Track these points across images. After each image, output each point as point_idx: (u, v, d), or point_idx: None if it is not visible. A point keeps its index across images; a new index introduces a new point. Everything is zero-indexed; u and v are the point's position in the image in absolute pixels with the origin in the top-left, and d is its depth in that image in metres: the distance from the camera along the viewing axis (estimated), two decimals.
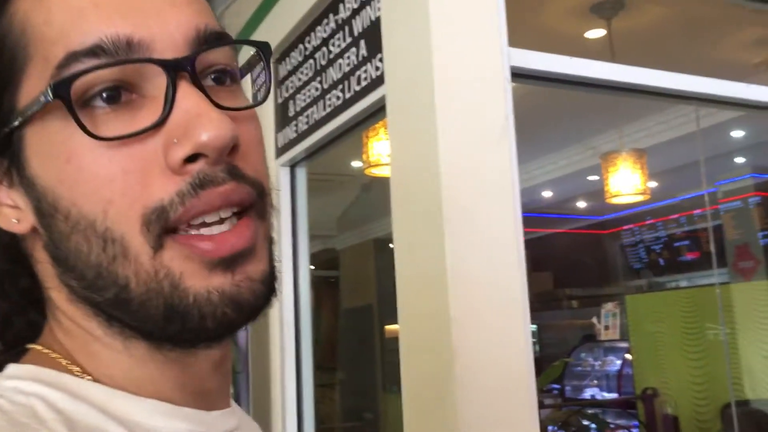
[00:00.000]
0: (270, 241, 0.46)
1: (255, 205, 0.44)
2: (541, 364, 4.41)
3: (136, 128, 0.41)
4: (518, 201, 1.51)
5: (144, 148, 0.41)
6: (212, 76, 0.44)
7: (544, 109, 3.11)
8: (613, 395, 4.67)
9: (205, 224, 0.41)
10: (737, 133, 4.42)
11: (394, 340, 1.51)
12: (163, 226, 0.41)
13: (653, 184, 4.43)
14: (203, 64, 0.43)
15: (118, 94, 0.41)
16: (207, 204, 0.41)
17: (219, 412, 0.48)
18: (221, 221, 0.42)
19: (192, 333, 0.42)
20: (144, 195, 0.41)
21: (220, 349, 0.46)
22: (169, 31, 0.42)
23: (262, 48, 0.47)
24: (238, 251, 0.42)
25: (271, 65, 2.29)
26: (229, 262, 0.41)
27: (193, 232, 0.41)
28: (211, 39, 0.44)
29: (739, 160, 4.78)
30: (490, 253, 1.42)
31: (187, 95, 0.41)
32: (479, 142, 1.49)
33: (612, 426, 4.11)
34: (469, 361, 1.29)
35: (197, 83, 0.41)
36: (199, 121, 0.40)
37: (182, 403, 0.45)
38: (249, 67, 0.49)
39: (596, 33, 2.93)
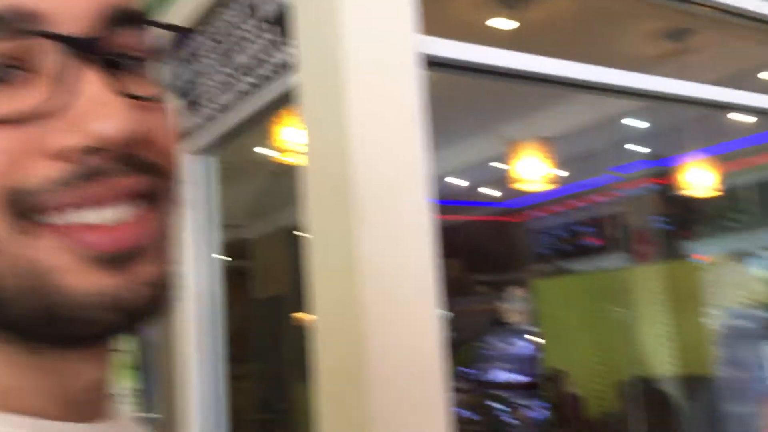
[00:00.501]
0: (167, 240, 0.42)
1: (154, 198, 0.40)
2: (451, 349, 4.50)
3: (22, 108, 0.37)
4: (430, 188, 1.52)
5: (27, 130, 0.37)
6: (120, 60, 0.40)
7: (456, 97, 3.15)
8: (522, 377, 4.82)
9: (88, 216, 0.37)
10: (637, 123, 4.60)
11: (306, 329, 1.50)
12: (28, 210, 0.37)
13: (559, 171, 4.57)
14: (112, 46, 0.39)
15: (8, 71, 0.37)
16: (91, 196, 0.37)
17: (87, 426, 0.42)
18: (111, 214, 0.38)
19: (65, 334, 0.38)
20: (12, 175, 0.37)
21: (94, 355, 0.42)
22: (76, 6, 0.38)
23: (181, 32, 0.44)
24: (126, 249, 0.38)
25: (180, 49, 2.21)
26: (115, 260, 0.38)
27: (75, 220, 0.37)
28: (124, 18, 0.40)
29: (638, 148, 4.99)
30: (403, 240, 1.43)
31: (90, 80, 0.37)
32: (391, 129, 1.49)
33: (520, 407, 4.23)
34: (381, 347, 1.29)
35: (102, 67, 0.38)
36: (100, 111, 0.37)
37: (50, 414, 0.40)
38: (160, 50, 0.45)
39: (506, 23, 2.99)
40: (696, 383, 3.79)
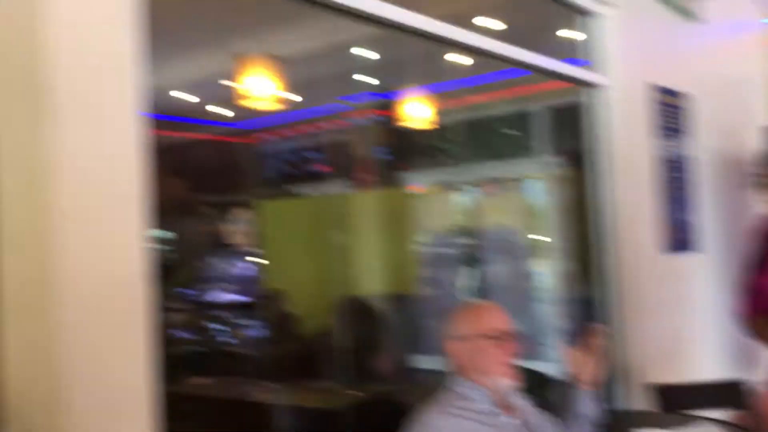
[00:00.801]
0: None
1: None
2: (172, 269, 4.36)
3: None
4: (145, 100, 1.40)
5: None
6: None
7: (186, 7, 2.94)
8: (243, 298, 4.85)
9: None
10: (367, 54, 4.72)
11: None
12: None
13: (289, 94, 4.56)
14: None
15: None
16: None
17: None
18: None
19: None
20: None
21: None
22: None
23: None
24: None
25: None
26: None
27: None
28: None
29: (367, 79, 5.14)
30: (108, 149, 1.31)
31: None
32: (99, 25, 1.33)
33: (239, 326, 4.27)
34: (75, 261, 1.18)
35: None
36: None
37: None
38: None
39: None
40: (402, 301, 4.14)
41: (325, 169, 5.83)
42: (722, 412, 3.14)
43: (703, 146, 4.52)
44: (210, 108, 5.87)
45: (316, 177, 5.77)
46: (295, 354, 3.40)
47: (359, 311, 3.37)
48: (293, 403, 2.68)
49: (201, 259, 5.22)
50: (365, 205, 4.46)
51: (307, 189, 5.57)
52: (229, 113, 5.95)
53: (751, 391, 3.01)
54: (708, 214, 4.53)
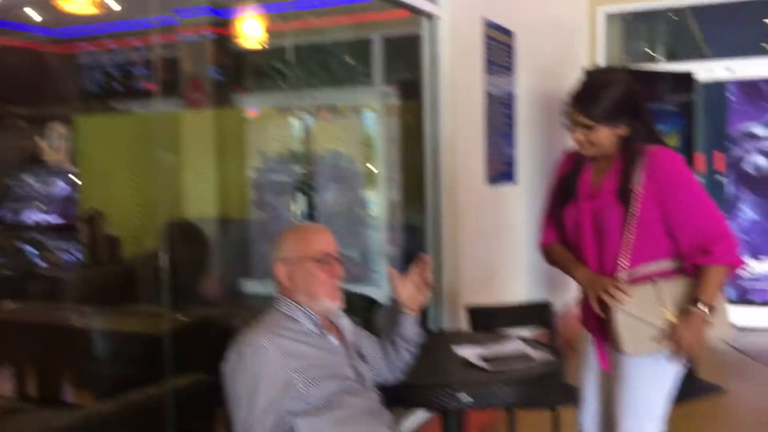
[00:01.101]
0: None
1: None
2: None
3: None
4: None
5: None
6: None
7: None
8: (58, 219, 4.52)
9: None
10: None
11: None
12: None
13: (112, 3, 4.22)
14: None
15: None
16: None
17: None
18: None
19: None
20: None
21: None
22: None
23: None
24: None
25: None
26: None
27: None
28: None
29: None
30: None
31: None
32: None
33: (53, 249, 4.00)
34: None
35: None
36: None
37: None
38: None
39: None
40: (231, 225, 4.06)
41: (153, 86, 5.50)
42: (530, 330, 3.42)
43: (526, 84, 4.76)
44: (22, 11, 5.30)
45: (142, 93, 5.43)
46: (115, 278, 3.25)
47: (185, 234, 3.26)
48: (111, 328, 2.57)
49: (12, 177, 4.78)
50: (195, 125, 4.27)
51: (133, 106, 5.23)
52: (45, 18, 5.41)
53: (555, 312, 3.29)
54: (526, 149, 4.82)
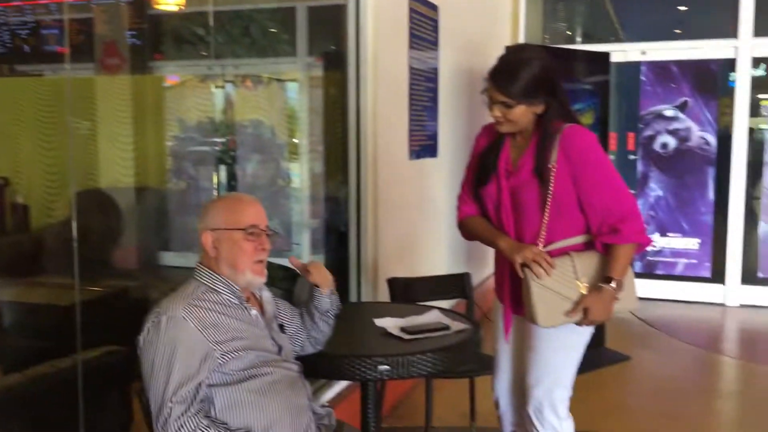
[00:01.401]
0: None
1: None
2: None
3: None
4: None
5: None
6: None
7: None
8: None
9: None
10: None
11: None
12: None
13: None
14: None
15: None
16: None
17: None
18: None
19: None
20: None
21: None
22: None
23: None
24: None
25: None
26: None
27: None
28: None
29: None
30: None
31: None
32: None
33: None
34: None
35: None
36: None
37: None
38: None
39: None
40: (148, 194, 3.95)
41: (65, 49, 5.26)
42: (449, 301, 3.49)
43: (450, 60, 4.80)
44: None
45: (53, 56, 5.19)
46: (23, 247, 3.11)
47: (97, 203, 3.16)
48: (19, 299, 2.47)
49: None
50: (111, 91, 4.12)
51: (42, 69, 5.00)
52: None
53: (472, 284, 3.37)
54: (448, 124, 4.88)
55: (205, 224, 1.89)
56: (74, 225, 1.91)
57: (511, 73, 2.19)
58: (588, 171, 2.23)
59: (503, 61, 2.26)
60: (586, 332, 2.35)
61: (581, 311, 2.23)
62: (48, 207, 3.45)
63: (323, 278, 2.14)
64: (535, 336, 2.37)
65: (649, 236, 2.32)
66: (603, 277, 2.22)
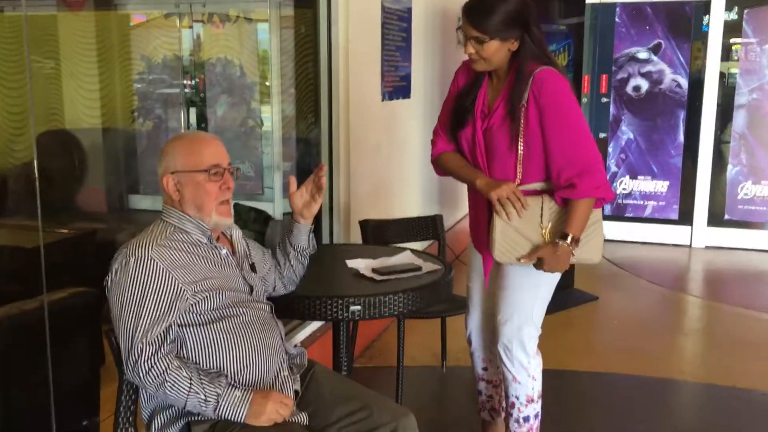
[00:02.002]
0: None
1: None
2: None
3: None
4: None
5: None
6: None
7: None
8: None
9: None
10: None
11: None
12: None
13: None
14: None
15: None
16: None
17: None
18: None
19: None
20: None
21: None
22: None
23: None
24: None
25: None
26: None
27: None
28: None
29: None
30: None
31: None
32: None
33: None
34: None
35: None
36: None
37: None
38: None
39: None
40: (114, 135, 3.87)
41: None
42: (421, 243, 3.51)
43: None
44: None
45: None
46: None
47: (61, 144, 3.08)
48: None
49: None
50: (74, 29, 3.98)
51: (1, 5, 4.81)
52: None
53: (444, 226, 3.38)
54: (422, 64, 4.81)
55: (165, 167, 1.84)
56: (35, 165, 1.85)
57: (485, 8, 2.17)
58: (552, 116, 2.20)
59: None
60: (555, 273, 2.38)
61: (534, 259, 2.25)
62: (9, 148, 3.37)
63: (311, 213, 2.12)
64: (505, 275, 2.40)
65: (611, 191, 2.28)
66: (560, 232, 2.22)
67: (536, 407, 2.48)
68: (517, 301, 2.39)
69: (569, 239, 2.21)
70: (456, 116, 2.37)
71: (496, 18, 2.15)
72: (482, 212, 2.37)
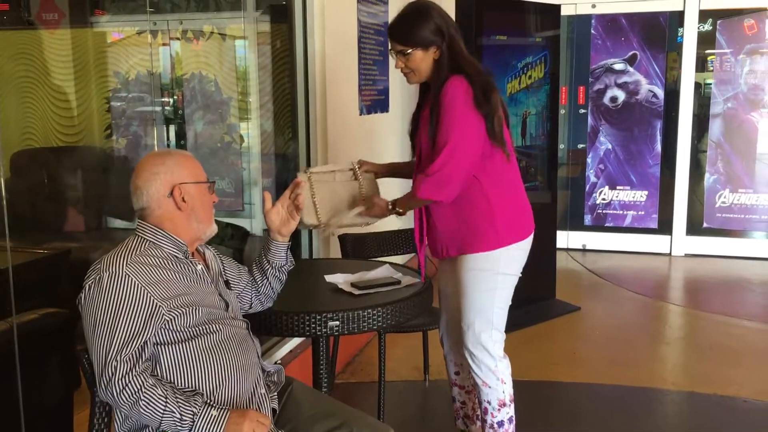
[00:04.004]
0: None
1: None
2: None
3: None
4: None
5: None
6: None
7: None
8: None
9: None
10: None
11: None
12: None
13: None
14: None
15: None
16: None
17: None
18: None
19: None
20: None
21: None
22: None
23: None
24: None
25: None
26: None
27: None
28: None
29: None
30: None
31: None
32: None
33: None
34: None
35: None
36: None
37: None
38: None
39: None
40: (90, 153, 3.83)
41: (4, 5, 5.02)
42: (401, 257, 3.50)
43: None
44: None
45: None
46: None
47: (39, 164, 3.05)
48: None
49: None
50: (49, 46, 3.95)
51: None
52: None
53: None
54: (399, 78, 4.82)
55: (167, 179, 1.81)
56: (2, 184, 1.82)
57: (404, 24, 2.36)
58: (439, 113, 2.31)
59: (398, 15, 2.41)
60: (508, 275, 2.44)
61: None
62: None
63: (289, 230, 2.12)
64: (461, 281, 2.47)
65: (446, 195, 2.35)
66: (391, 200, 2.45)
67: (509, 411, 2.50)
68: (477, 307, 2.45)
69: (390, 206, 2.44)
70: (411, 136, 2.58)
71: (414, 30, 2.33)
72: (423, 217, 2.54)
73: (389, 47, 2.42)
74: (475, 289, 2.43)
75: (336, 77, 3.74)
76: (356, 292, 2.29)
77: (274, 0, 4.31)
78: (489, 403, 2.48)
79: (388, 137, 4.71)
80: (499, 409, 2.48)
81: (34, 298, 1.98)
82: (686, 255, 6.35)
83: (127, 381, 1.63)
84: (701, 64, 6.29)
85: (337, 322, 2.10)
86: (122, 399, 1.63)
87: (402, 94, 4.89)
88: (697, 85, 6.28)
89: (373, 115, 4.37)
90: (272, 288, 2.14)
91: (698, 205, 6.38)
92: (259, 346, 1.99)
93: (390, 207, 2.44)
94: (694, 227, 6.37)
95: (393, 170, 2.73)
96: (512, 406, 2.51)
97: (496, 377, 2.46)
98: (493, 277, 2.40)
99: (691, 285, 5.82)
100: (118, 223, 3.79)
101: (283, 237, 2.12)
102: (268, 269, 2.12)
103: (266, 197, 2.12)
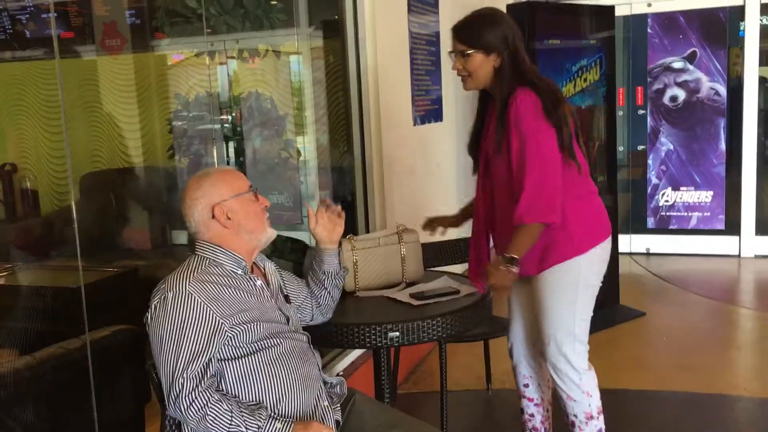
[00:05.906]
0: None
1: None
2: None
3: None
4: None
5: None
6: None
7: None
8: None
9: None
10: None
11: None
12: None
13: None
14: None
15: None
16: None
17: None
18: None
19: None
20: None
21: None
22: None
23: None
24: None
25: None
26: None
27: None
28: None
29: None
30: None
31: None
32: None
33: None
34: None
35: None
36: None
37: None
38: None
39: None
40: (155, 174, 3.95)
41: (65, 33, 5.23)
42: (459, 266, 3.49)
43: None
44: None
45: (50, 40, 5.16)
46: (33, 231, 3.14)
47: (102, 185, 3.17)
48: (30, 283, 2.49)
49: None
50: (113, 72, 4.11)
51: (41, 53, 4.98)
52: None
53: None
54: (452, 87, 4.82)
55: (206, 202, 1.87)
56: (73, 207, 1.90)
57: (469, 24, 2.32)
58: (513, 134, 2.20)
59: (467, 16, 2.37)
60: (588, 285, 2.36)
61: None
62: (56, 191, 3.47)
63: (337, 236, 2.17)
64: (538, 295, 2.40)
65: (551, 216, 2.19)
66: (503, 253, 2.19)
67: (598, 423, 2.43)
68: (558, 320, 2.37)
69: (506, 260, 2.16)
70: (472, 144, 2.48)
71: (479, 32, 2.28)
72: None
73: (450, 48, 2.36)
74: (557, 301, 2.35)
75: (389, 89, 3.77)
76: (415, 302, 2.30)
77: (327, 15, 4.37)
78: (576, 416, 2.42)
79: (443, 146, 4.72)
80: (586, 422, 2.41)
81: (105, 315, 2.06)
82: (756, 256, 6.14)
83: (194, 397, 1.68)
84: (765, 59, 6.09)
85: (397, 333, 2.11)
86: (190, 414, 1.68)
87: (456, 102, 4.89)
88: (762, 80, 6.08)
89: (427, 125, 4.38)
90: (332, 297, 2.17)
91: (767, 204, 6.16)
92: (320, 358, 2.02)
93: (504, 258, 2.18)
94: (764, 227, 6.15)
95: (468, 213, 2.64)
96: (601, 417, 2.43)
97: (581, 390, 2.39)
98: (573, 288, 2.32)
99: (762, 287, 5.61)
100: (182, 239, 3.90)
101: (333, 244, 2.17)
102: (324, 279, 2.16)
103: (310, 213, 2.17)
